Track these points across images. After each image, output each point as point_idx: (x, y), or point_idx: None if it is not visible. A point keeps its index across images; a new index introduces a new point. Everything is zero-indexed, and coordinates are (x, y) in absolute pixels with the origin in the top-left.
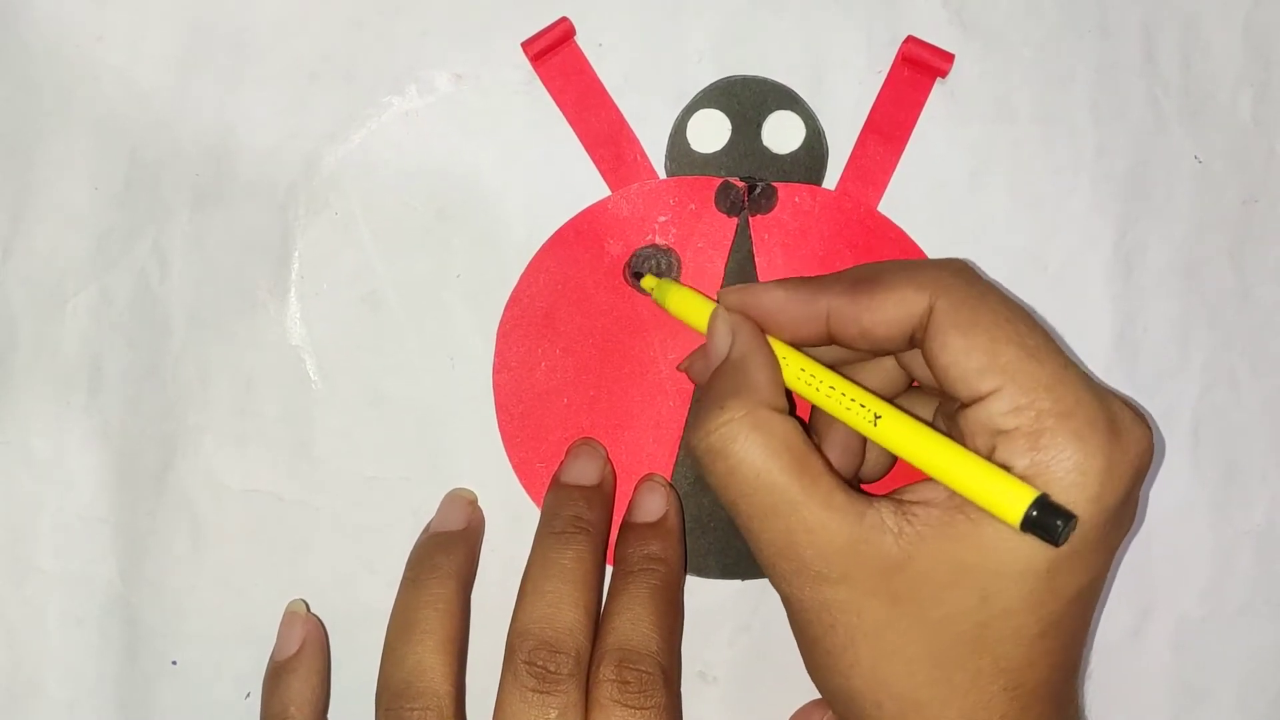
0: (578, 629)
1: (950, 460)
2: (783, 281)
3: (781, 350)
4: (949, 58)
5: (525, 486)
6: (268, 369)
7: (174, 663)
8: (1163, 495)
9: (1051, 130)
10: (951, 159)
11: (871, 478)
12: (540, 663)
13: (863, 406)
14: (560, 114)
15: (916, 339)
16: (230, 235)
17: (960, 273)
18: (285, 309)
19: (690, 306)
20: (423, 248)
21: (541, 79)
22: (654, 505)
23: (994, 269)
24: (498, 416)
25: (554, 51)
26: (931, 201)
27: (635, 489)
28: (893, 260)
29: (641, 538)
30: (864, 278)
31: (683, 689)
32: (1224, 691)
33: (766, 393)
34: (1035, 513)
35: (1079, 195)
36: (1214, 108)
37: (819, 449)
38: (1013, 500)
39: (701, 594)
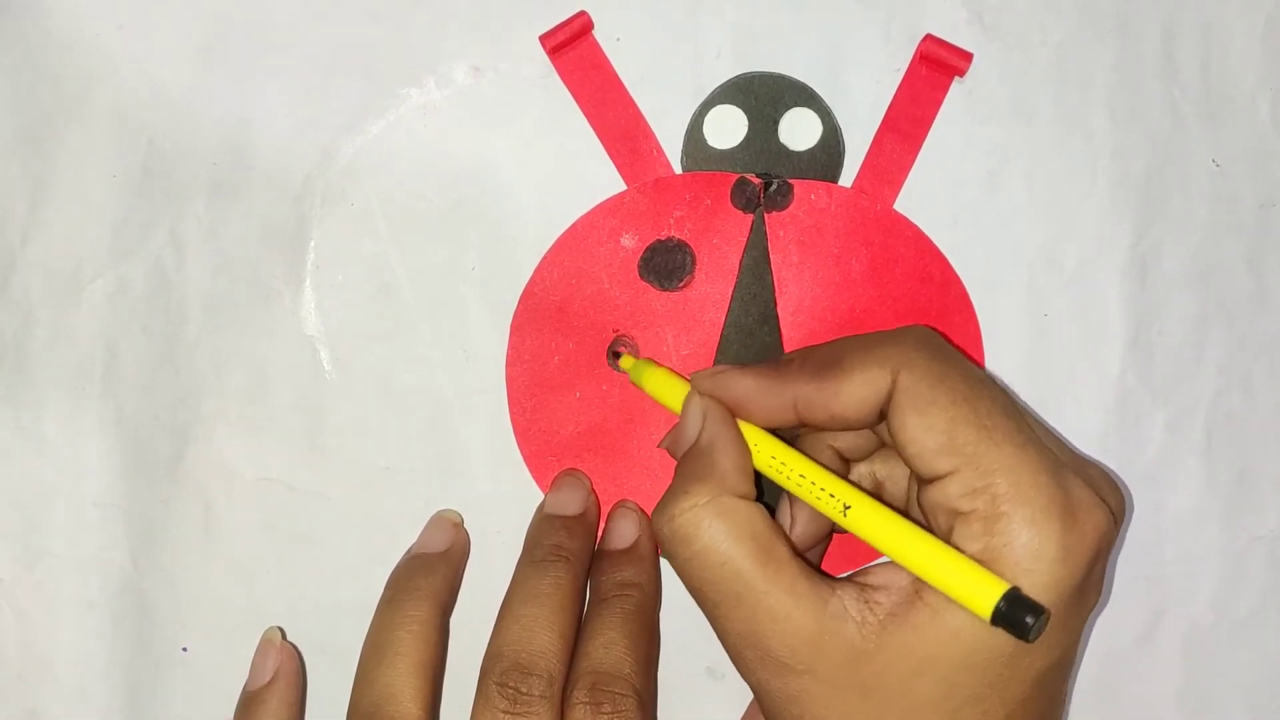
0: (550, 652)
1: (919, 550)
2: (752, 368)
3: (754, 436)
4: (967, 57)
5: (536, 480)
6: (282, 359)
7: (184, 650)
8: (1174, 500)
9: (1069, 131)
10: (969, 159)
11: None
12: (512, 684)
13: (832, 496)
14: (577, 108)
15: (885, 413)
16: (246, 225)
17: (922, 345)
18: (300, 299)
19: (665, 388)
20: (438, 240)
21: (559, 73)
22: (626, 531)
23: (1010, 269)
24: (510, 409)
25: (572, 45)
26: (948, 201)
27: (607, 517)
28: (852, 337)
29: (614, 564)
30: (826, 361)
31: (692, 685)
32: (1234, 698)
33: (733, 479)
34: (1005, 606)
35: (1096, 197)
36: (1232, 111)
37: (784, 533)
38: (983, 593)
39: None
